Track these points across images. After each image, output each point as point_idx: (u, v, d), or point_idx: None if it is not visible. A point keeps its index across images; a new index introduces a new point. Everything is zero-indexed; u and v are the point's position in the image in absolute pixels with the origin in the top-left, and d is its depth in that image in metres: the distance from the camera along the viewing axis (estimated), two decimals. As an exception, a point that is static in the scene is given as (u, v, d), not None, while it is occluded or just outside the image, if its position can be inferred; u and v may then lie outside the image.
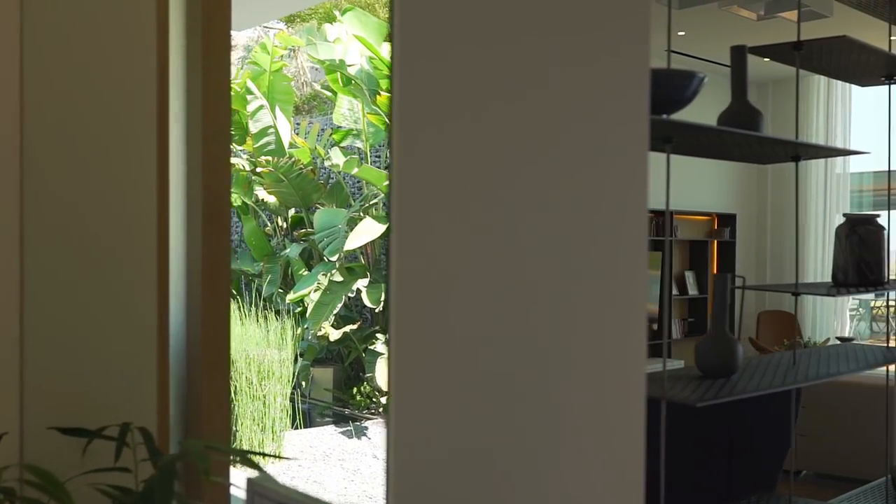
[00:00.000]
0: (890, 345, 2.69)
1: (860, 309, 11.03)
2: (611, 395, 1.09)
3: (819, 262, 9.50)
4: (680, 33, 8.42)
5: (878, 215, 2.43)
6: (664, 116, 1.65)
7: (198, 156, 2.19)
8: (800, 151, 2.10)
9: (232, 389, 5.48)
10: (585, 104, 1.05)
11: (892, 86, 2.65)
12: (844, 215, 2.46)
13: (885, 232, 2.40)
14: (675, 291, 9.32)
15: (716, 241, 9.80)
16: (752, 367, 2.16)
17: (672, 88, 1.62)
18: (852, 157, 9.82)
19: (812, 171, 9.87)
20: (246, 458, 1.58)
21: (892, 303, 3.36)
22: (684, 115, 1.80)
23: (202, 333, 2.18)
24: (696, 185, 9.49)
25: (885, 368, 3.64)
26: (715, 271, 9.97)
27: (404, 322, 0.86)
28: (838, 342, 7.58)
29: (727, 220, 9.76)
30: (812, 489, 5.24)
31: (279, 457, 4.57)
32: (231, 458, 1.64)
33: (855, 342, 7.11)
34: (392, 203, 0.87)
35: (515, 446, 0.97)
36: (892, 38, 3.16)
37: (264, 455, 5.45)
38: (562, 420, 1.02)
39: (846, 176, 9.57)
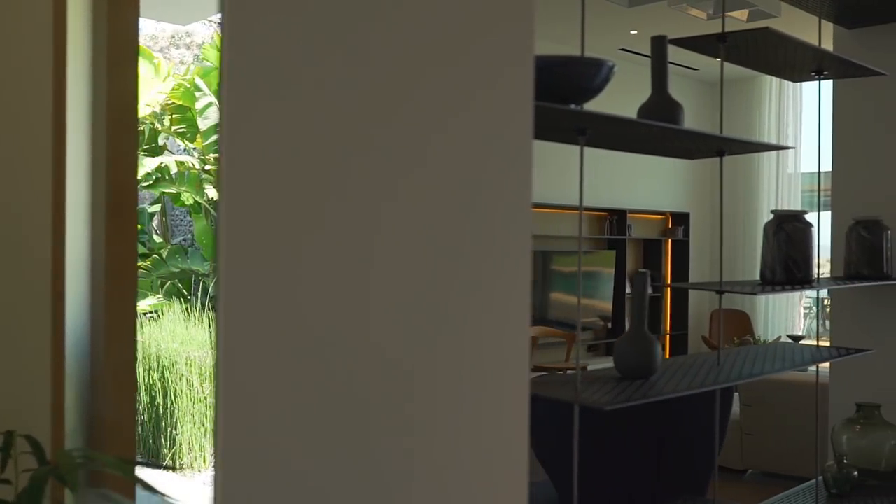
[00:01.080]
0: (822, 344, 2.67)
1: (813, 307, 11.13)
2: (487, 412, 1.02)
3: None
4: (632, 32, 8.43)
5: (806, 212, 2.40)
6: (572, 106, 1.58)
7: (103, 148, 2.09)
8: (723, 146, 2.05)
9: (172, 392, 5.35)
10: (456, 88, 0.98)
11: (822, 82, 2.62)
12: (772, 212, 2.42)
13: (813, 229, 2.36)
14: (628, 290, 9.32)
15: (670, 240, 9.84)
16: (675, 367, 2.11)
17: (578, 77, 1.56)
18: (804, 157, 9.92)
19: (764, 171, 9.96)
20: (130, 473, 1.49)
21: (806, 303, 3.34)
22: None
23: (105, 337, 2.08)
24: (649, 184, 9.51)
25: (825, 366, 3.63)
26: (669, 270, 10.00)
27: (233, 335, 0.78)
28: (789, 340, 7.62)
29: (681, 219, 9.81)
30: (756, 488, 5.26)
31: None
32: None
33: (804, 340, 7.15)
34: (221, 196, 0.79)
35: (371, 478, 0.89)
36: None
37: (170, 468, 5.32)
38: (426, 442, 0.95)
39: (797, 175, 9.67)
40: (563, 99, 1.62)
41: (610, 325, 9.18)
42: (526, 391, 1.09)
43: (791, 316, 9.94)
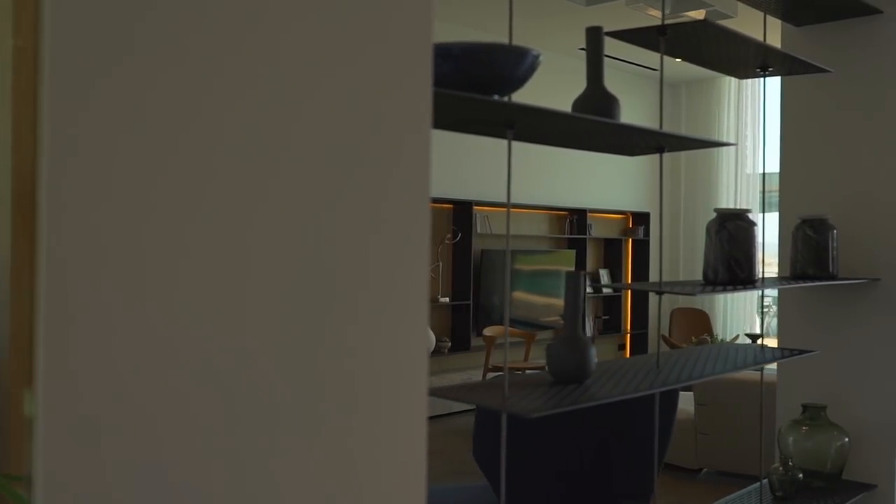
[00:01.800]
0: (771, 345, 2.62)
1: (773, 306, 11.20)
2: (376, 430, 0.94)
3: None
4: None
5: (749, 211, 2.34)
6: (495, 97, 1.51)
7: (6, 137, 1.97)
8: (661, 142, 1.99)
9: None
10: (340, 73, 0.89)
11: (769, 79, 2.57)
12: (715, 210, 2.37)
13: (757, 228, 2.31)
14: (589, 290, 9.30)
15: (630, 239, 9.84)
16: (612, 371, 2.05)
17: (501, 65, 1.48)
18: (762, 158, 9.98)
19: (723, 171, 10.00)
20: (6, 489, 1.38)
21: (766, 301, 3.30)
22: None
23: (10, 341, 1.97)
24: (610, 184, 9.50)
25: (774, 367, 3.60)
26: (630, 269, 10.00)
27: (54, 340, 0.69)
28: (748, 339, 7.64)
29: (641, 219, 9.81)
30: (710, 487, 5.24)
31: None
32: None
33: (759, 339, 7.17)
34: (42, 187, 0.70)
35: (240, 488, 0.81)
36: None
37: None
38: (303, 451, 0.86)
39: (755, 176, 9.71)
40: (489, 90, 1.55)
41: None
42: (423, 401, 1.01)
43: (751, 314, 9.98)
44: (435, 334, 7.46)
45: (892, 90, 2.84)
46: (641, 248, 9.90)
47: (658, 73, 9.81)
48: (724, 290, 2.20)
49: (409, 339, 0.98)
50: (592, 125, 1.75)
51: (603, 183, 9.38)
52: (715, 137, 9.96)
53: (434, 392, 1.77)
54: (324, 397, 0.88)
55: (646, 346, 9.92)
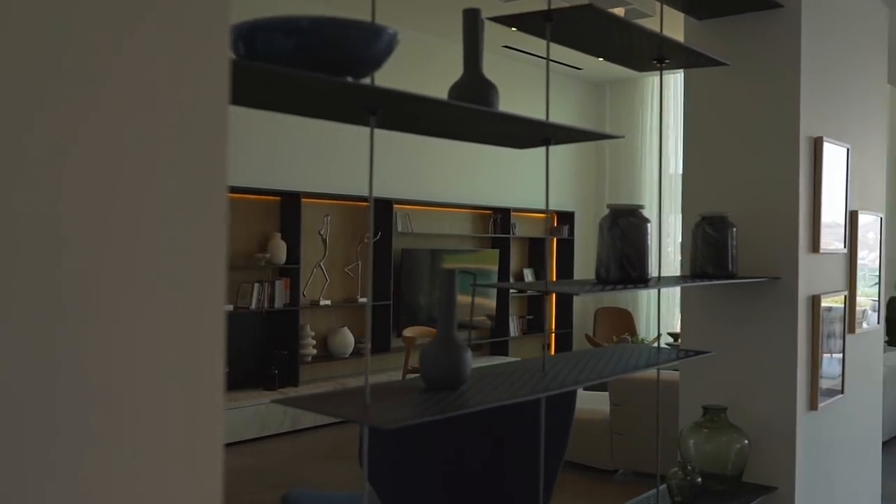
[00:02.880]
0: (674, 346, 2.53)
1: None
2: (144, 462, 0.79)
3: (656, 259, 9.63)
4: (512, 28, 8.34)
5: (642, 206, 2.26)
6: (349, 79, 1.37)
7: None
8: (546, 132, 1.88)
9: None
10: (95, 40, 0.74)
11: (672, 74, 2.49)
12: (608, 206, 2.27)
13: (650, 225, 2.22)
14: (512, 290, 9.25)
15: (555, 239, 9.81)
16: (494, 376, 1.93)
17: (352, 42, 1.35)
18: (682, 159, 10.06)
19: (646, 171, 10.06)
20: None
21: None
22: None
23: None
24: (534, 183, 9.45)
25: (667, 370, 3.55)
26: (554, 269, 9.99)
27: None
28: (670, 338, 7.65)
29: (566, 218, 9.80)
30: (625, 488, 5.20)
31: None
32: None
33: (679, 339, 7.17)
34: None
35: None
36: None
37: None
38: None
39: (677, 177, 9.77)
40: (342, 72, 1.41)
41: (494, 324, 9.09)
42: (217, 423, 0.86)
43: (674, 313, 10.06)
44: (354, 335, 7.30)
45: (792, 85, 2.80)
46: (566, 248, 9.89)
47: (581, 71, 9.81)
48: (614, 289, 2.11)
49: (194, 352, 0.84)
50: (465, 113, 1.63)
51: (527, 182, 9.34)
52: (639, 137, 10.02)
53: (289, 402, 1.63)
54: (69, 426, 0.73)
55: (571, 346, 9.91)
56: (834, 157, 3.03)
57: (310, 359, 6.97)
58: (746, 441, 2.75)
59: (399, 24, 7.29)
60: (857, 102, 3.34)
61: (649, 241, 2.22)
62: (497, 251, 8.92)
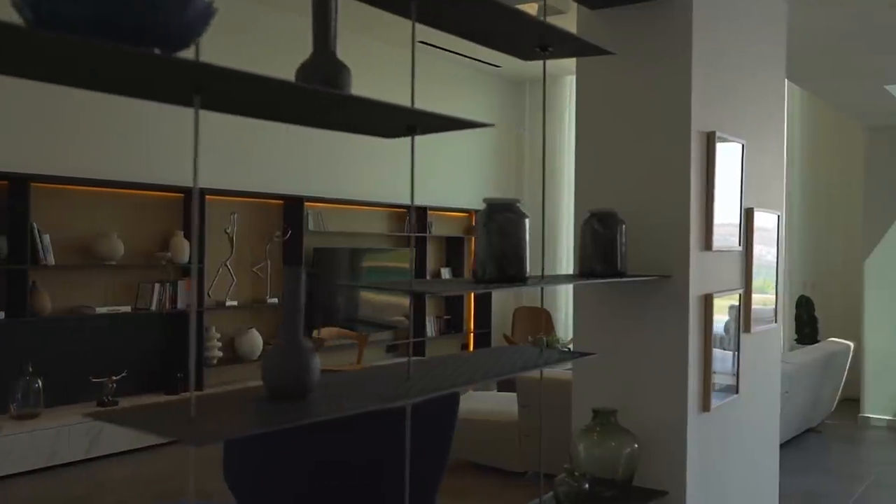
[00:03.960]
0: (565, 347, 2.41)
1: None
2: None
3: (571, 257, 9.63)
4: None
5: (519, 201, 2.13)
6: (156, 51, 1.20)
7: None
8: (410, 119, 1.74)
9: None
10: None
11: (549, 59, 2.38)
12: (484, 200, 2.15)
13: (528, 220, 2.11)
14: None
15: (473, 238, 9.69)
16: (351, 382, 1.79)
17: (153, 8, 1.18)
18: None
19: (565, 168, 10.04)
20: None
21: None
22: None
23: None
24: (452, 181, 9.34)
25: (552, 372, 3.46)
26: (472, 267, 9.87)
27: None
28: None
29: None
30: (535, 490, 5.11)
31: None
32: None
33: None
34: None
35: None
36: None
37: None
38: None
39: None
40: (155, 44, 1.24)
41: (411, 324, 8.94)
42: None
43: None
44: (263, 337, 7.06)
45: (683, 78, 2.72)
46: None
47: (500, 69, 9.74)
48: (489, 288, 1.98)
49: None
50: (312, 96, 1.48)
51: (445, 180, 9.22)
52: (557, 135, 9.99)
53: (101, 416, 1.45)
54: None
55: (490, 345, 9.83)
56: (728, 152, 2.98)
57: (216, 361, 6.71)
58: (636, 445, 2.67)
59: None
60: (754, 98, 3.30)
61: (528, 238, 2.11)
62: (408, 250, 8.78)
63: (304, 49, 1.66)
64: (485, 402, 5.87)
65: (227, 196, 6.79)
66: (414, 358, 1.93)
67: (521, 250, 2.09)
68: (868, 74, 5.44)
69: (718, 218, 2.89)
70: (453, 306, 9.56)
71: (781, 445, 6.36)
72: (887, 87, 5.81)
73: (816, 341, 8.07)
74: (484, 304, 9.80)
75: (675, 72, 2.73)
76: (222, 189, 6.65)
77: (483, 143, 9.89)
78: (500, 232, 2.08)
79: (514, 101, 10.39)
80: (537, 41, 2.28)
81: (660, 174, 2.76)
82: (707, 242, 2.83)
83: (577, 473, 2.57)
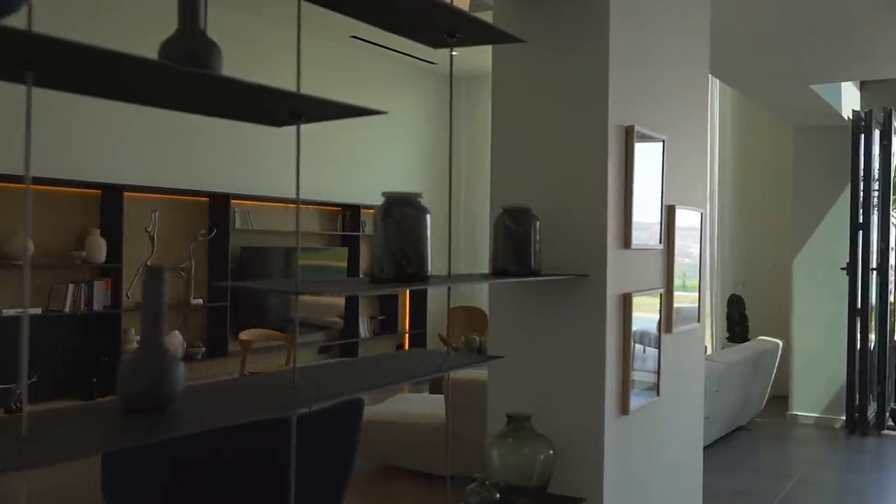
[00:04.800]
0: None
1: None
2: None
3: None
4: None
5: (420, 195, 2.01)
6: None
7: None
8: (294, 105, 1.60)
9: None
10: None
11: (456, 47, 2.25)
12: (383, 194, 2.01)
13: (429, 216, 1.98)
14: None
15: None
16: (228, 391, 1.64)
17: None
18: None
19: (486, 164, 9.95)
20: None
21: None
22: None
23: None
24: (385, 178, 9.18)
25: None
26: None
27: None
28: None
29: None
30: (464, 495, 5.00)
31: None
32: None
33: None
34: None
35: None
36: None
37: None
38: None
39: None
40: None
41: (343, 325, 8.77)
42: None
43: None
44: (186, 339, 6.82)
45: (600, 69, 2.62)
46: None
47: (435, 65, 9.62)
48: (384, 289, 1.85)
49: None
50: (182, 77, 1.33)
51: (378, 178, 9.06)
52: (483, 133, 9.89)
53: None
54: None
55: (425, 346, 9.71)
56: (648, 148, 2.89)
57: (135, 365, 6.45)
58: (551, 451, 2.56)
59: None
60: (676, 92, 3.23)
61: (429, 234, 1.98)
62: (346, 249, 8.61)
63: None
64: (415, 405, 5.74)
65: (147, 193, 6.53)
66: (301, 365, 1.78)
67: (421, 247, 1.97)
68: (794, 73, 5.45)
69: (638, 215, 2.80)
70: (388, 306, 9.41)
71: (712, 444, 6.39)
72: (813, 87, 5.84)
73: (747, 340, 8.13)
74: (419, 304, 9.67)
75: (591, 63, 2.63)
76: (142, 185, 6.40)
77: (419, 142, 9.76)
78: (398, 228, 1.95)
79: (448, 97, 10.28)
80: (445, 27, 2.15)
81: (576, 170, 2.66)
82: (626, 240, 2.74)
83: (488, 482, 2.45)
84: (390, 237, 1.94)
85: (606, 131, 2.61)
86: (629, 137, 2.73)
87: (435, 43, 2.29)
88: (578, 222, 2.65)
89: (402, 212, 1.96)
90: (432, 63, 9.45)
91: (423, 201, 2.00)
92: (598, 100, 2.62)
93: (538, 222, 2.49)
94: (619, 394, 2.72)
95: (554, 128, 2.70)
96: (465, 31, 2.19)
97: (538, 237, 2.48)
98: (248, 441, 2.13)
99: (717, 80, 7.89)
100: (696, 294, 3.54)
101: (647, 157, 2.91)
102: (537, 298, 2.72)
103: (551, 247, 2.64)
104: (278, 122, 1.77)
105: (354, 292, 1.76)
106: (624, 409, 2.74)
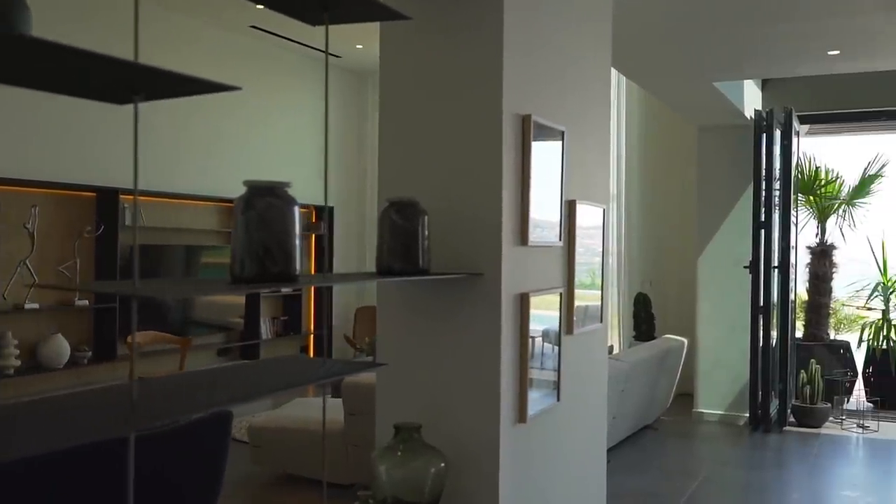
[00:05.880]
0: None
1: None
2: None
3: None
4: (258, 7, 7.72)
5: (289, 184, 1.78)
6: None
7: None
8: (127, 74, 1.35)
9: None
10: None
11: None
12: (245, 183, 1.78)
13: (296, 208, 1.76)
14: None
15: (313, 235, 9.29)
16: (48, 408, 1.38)
17: None
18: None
19: (409, 165, 9.77)
20: None
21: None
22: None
23: None
24: (289, 175, 8.86)
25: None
26: (313, 266, 9.46)
27: None
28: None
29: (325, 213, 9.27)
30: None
31: None
32: None
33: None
34: None
35: None
36: None
37: None
38: None
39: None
40: None
41: (244, 325, 8.43)
42: None
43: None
44: (71, 343, 6.39)
45: (495, 52, 2.45)
46: (326, 243, 9.40)
47: (340, 59, 9.35)
48: (243, 289, 1.62)
49: None
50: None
51: (283, 174, 8.74)
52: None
53: None
54: None
55: (331, 348, 9.44)
56: (546, 139, 2.73)
57: (12, 371, 6.00)
58: (443, 463, 2.37)
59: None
60: (577, 83, 3.08)
61: (297, 228, 1.76)
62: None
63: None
64: (311, 410, 5.49)
65: (26, 187, 6.09)
66: (140, 378, 1.54)
67: (288, 243, 1.74)
68: (696, 69, 5.41)
69: (536, 210, 2.64)
70: (291, 306, 9.10)
71: (618, 444, 6.34)
72: (716, 85, 5.83)
73: (653, 338, 8.15)
74: (325, 304, 9.39)
75: (484, 46, 2.45)
76: (20, 179, 5.95)
77: (322, 136, 9.47)
78: (260, 221, 1.72)
79: (357, 93, 10.03)
80: (321, 2, 1.93)
81: (470, 161, 2.48)
82: (523, 237, 2.57)
83: (371, 501, 2.25)
84: (252, 232, 1.72)
85: (501, 120, 2.43)
86: (526, 127, 2.56)
87: (310, 19, 2.07)
88: (472, 217, 2.47)
89: (265, 203, 1.73)
90: (336, 56, 9.18)
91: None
92: (492, 86, 2.44)
93: (427, 217, 2.29)
94: (515, 401, 2.55)
95: (445, 116, 2.51)
96: (340, 4, 1.97)
97: (427, 233, 2.29)
98: (79, 466, 1.87)
99: (624, 78, 7.88)
100: (598, 293, 3.41)
101: (546, 150, 2.75)
102: (428, 299, 2.52)
103: (443, 244, 2.45)
104: (115, 98, 1.52)
105: (207, 293, 1.53)
106: (521, 416, 2.58)
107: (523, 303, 2.58)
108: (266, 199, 1.73)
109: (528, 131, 2.56)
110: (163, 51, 6.84)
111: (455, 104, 2.50)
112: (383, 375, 2.62)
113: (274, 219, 1.73)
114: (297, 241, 1.77)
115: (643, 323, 8.56)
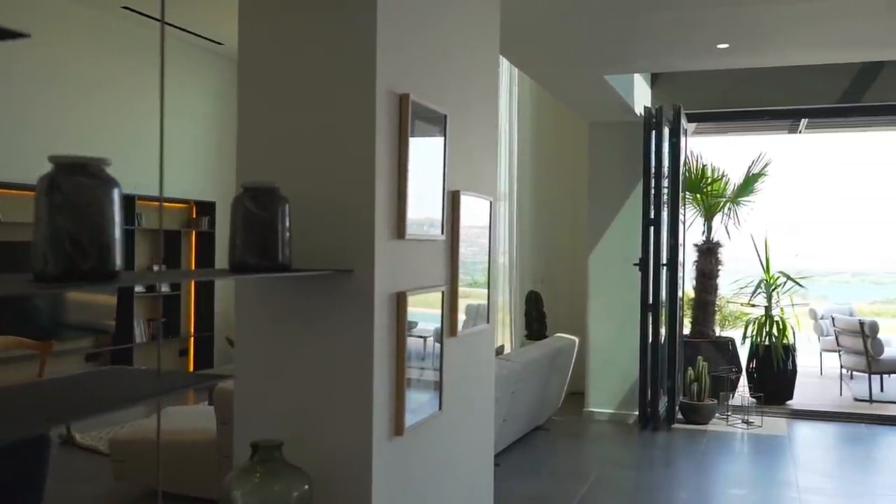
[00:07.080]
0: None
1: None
2: None
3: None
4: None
5: (106, 161, 1.47)
6: None
7: None
8: None
9: None
10: None
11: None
12: (49, 158, 1.46)
13: (116, 191, 1.45)
14: (140, 288, 8.09)
15: (194, 231, 8.80)
16: None
17: None
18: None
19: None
20: None
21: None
22: None
23: None
24: (169, 169, 8.35)
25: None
26: (193, 263, 8.96)
27: None
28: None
29: (207, 209, 8.82)
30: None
31: None
32: None
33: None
34: None
35: None
36: None
37: None
38: None
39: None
40: None
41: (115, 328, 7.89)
42: None
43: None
44: (-87, 350, 5.77)
45: (365, 21, 2.18)
46: (207, 241, 8.92)
47: (223, 46, 8.89)
48: (44, 289, 1.31)
49: None
50: None
51: (154, 169, 8.22)
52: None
53: None
54: None
55: (212, 351, 8.97)
56: (427, 122, 2.49)
57: None
58: (307, 486, 2.09)
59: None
60: (462, 67, 2.86)
61: (117, 216, 1.45)
62: (119, 245, 7.73)
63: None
64: (181, 419, 5.09)
65: None
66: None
67: (104, 234, 1.43)
68: (586, 60, 5.29)
69: (415, 200, 2.40)
70: (170, 307, 8.59)
71: (509, 446, 6.17)
72: (607, 78, 5.73)
73: (545, 337, 8.05)
74: (206, 305, 8.92)
75: (356, 13, 2.19)
76: None
77: (209, 128, 8.99)
78: (68, 206, 1.41)
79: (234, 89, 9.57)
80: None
81: (339, 143, 2.21)
82: (399, 230, 2.32)
83: (221, 532, 1.96)
84: (56, 220, 1.40)
85: (374, 96, 2.17)
86: (404, 107, 2.31)
87: None
88: (340, 206, 2.20)
89: (73, 182, 1.42)
90: (220, 44, 8.72)
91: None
92: (364, 58, 2.18)
93: (288, 205, 2.01)
94: (391, 412, 2.30)
95: (312, 93, 2.24)
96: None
97: (288, 223, 2.01)
98: None
99: (516, 70, 7.74)
100: (485, 291, 3.20)
101: (427, 135, 2.51)
102: (290, 300, 2.24)
103: (307, 236, 2.17)
104: None
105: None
106: (398, 429, 2.32)
107: (399, 303, 2.33)
108: (75, 178, 1.42)
109: (406, 112, 2.31)
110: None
111: (323, 79, 2.22)
112: (242, 386, 2.32)
113: (85, 203, 1.42)
114: (117, 232, 1.46)
115: (535, 322, 8.46)
